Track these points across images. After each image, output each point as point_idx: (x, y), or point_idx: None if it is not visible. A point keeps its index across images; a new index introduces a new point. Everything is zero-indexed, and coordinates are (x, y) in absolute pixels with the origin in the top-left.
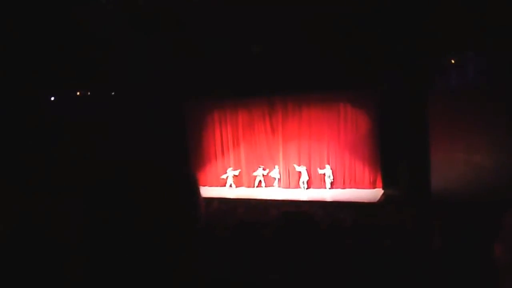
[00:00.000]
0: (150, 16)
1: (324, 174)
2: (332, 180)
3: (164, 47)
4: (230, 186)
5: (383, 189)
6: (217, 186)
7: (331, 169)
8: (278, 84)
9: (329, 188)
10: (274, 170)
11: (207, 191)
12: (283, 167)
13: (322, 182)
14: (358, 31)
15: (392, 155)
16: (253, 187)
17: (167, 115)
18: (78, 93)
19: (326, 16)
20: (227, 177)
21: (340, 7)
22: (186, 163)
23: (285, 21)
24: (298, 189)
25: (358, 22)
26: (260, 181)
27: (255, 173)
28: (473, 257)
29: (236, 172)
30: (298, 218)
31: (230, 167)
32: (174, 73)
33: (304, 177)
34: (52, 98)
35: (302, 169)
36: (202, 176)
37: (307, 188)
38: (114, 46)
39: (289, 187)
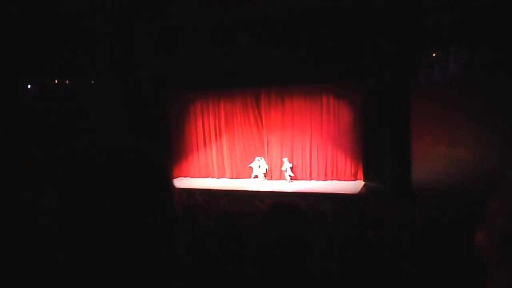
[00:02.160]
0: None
1: (286, 169)
2: (292, 175)
3: (148, 36)
4: (256, 177)
5: (364, 181)
6: (199, 177)
7: (290, 162)
8: (262, 76)
9: (289, 182)
10: (260, 162)
11: (189, 182)
12: (268, 159)
13: (304, 174)
14: (343, 25)
15: (374, 147)
16: (250, 178)
17: (149, 105)
18: (56, 81)
19: (313, 10)
20: (286, 169)
21: (327, 1)
22: (160, 152)
23: (271, 13)
24: (281, 181)
25: (343, 16)
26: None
27: (251, 165)
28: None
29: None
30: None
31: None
32: (157, 62)
33: (288, 169)
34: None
35: (286, 162)
36: (184, 167)
37: (290, 181)
38: (95, 33)
39: (271, 179)
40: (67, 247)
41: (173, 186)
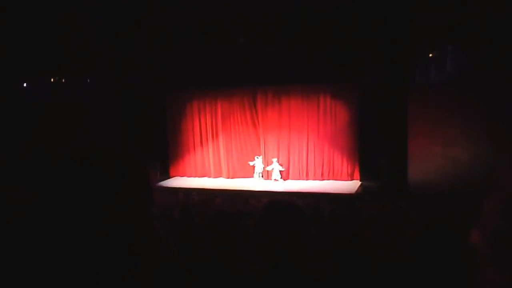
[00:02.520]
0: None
1: (273, 169)
2: (278, 178)
3: (145, 34)
4: (275, 180)
5: (360, 180)
6: (196, 176)
7: (280, 165)
8: (259, 75)
9: (274, 180)
10: (256, 161)
11: (186, 182)
12: (264, 159)
13: (301, 174)
14: (340, 25)
15: (370, 147)
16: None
17: (145, 104)
18: (52, 80)
19: (310, 9)
20: (272, 169)
21: (324, 1)
22: (141, 155)
23: (268, 13)
24: (278, 181)
25: (340, 16)
26: (259, 172)
27: (252, 163)
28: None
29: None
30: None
31: (274, 158)
32: (154, 61)
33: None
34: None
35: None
36: (181, 166)
37: (270, 179)
38: (92, 31)
39: (268, 178)
40: (43, 244)
41: (152, 189)
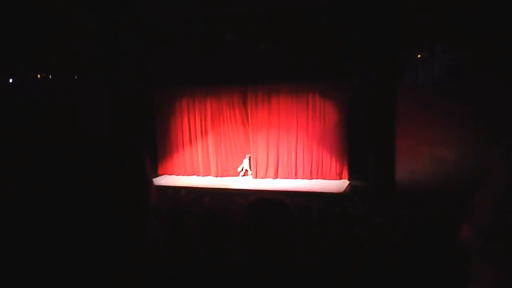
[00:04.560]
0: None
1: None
2: (248, 172)
3: (134, 31)
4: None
5: (349, 180)
6: (184, 175)
7: (248, 161)
8: (249, 74)
9: (241, 176)
10: (245, 160)
11: (174, 180)
12: (253, 157)
13: (289, 172)
14: (329, 25)
15: (359, 146)
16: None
17: (134, 101)
18: (39, 76)
19: (300, 9)
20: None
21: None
22: (139, 147)
23: (258, 10)
24: (267, 179)
25: (330, 16)
26: (246, 170)
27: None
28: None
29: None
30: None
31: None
32: (143, 58)
33: (245, 166)
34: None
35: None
36: (169, 164)
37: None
38: (80, 28)
39: (256, 177)
40: (32, 242)
41: (151, 179)
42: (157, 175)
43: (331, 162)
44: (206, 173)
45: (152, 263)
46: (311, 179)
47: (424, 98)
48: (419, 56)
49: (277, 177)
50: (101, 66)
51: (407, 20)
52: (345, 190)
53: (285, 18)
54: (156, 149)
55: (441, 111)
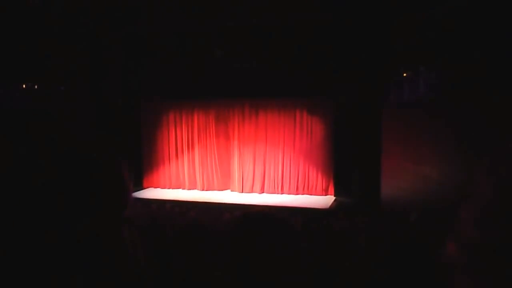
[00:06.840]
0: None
1: None
2: None
3: (121, 44)
4: None
5: (335, 196)
6: (170, 188)
7: None
8: (236, 89)
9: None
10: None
11: (160, 193)
12: (237, 172)
13: (276, 187)
14: (316, 43)
15: (344, 163)
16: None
17: (120, 114)
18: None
19: (288, 26)
20: None
21: (301, 18)
22: (118, 153)
23: (246, 26)
24: (253, 194)
25: (317, 34)
26: None
27: None
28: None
29: None
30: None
31: None
32: (130, 71)
33: None
34: None
35: None
36: (155, 177)
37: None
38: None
39: (242, 192)
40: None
41: (127, 186)
42: (142, 188)
43: (317, 177)
44: (192, 186)
45: (128, 272)
46: (297, 194)
47: (408, 116)
48: (404, 75)
49: (263, 192)
50: (88, 78)
51: (394, 39)
52: (331, 206)
53: (273, 34)
54: (141, 161)
55: (425, 129)
